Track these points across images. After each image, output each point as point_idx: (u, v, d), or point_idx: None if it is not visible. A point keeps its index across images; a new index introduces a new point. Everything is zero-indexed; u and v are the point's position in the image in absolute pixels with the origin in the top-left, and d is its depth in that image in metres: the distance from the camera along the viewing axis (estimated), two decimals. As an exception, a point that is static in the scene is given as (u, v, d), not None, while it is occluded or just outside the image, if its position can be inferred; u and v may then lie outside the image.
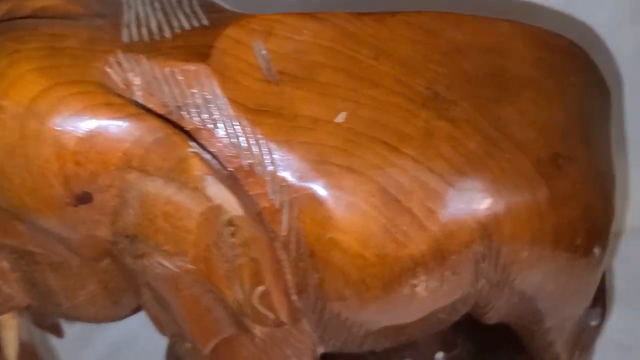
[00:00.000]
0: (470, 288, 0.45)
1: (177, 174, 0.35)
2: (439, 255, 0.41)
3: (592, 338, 0.61)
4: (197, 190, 0.35)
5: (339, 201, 0.38)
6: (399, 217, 0.39)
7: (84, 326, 0.86)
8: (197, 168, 0.35)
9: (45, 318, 0.53)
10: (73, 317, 0.50)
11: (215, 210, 0.36)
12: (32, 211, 0.37)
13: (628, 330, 0.76)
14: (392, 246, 0.39)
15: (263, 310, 0.39)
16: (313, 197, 0.38)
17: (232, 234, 0.36)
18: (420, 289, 0.42)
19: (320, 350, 0.51)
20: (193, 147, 0.35)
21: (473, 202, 0.40)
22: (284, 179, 0.38)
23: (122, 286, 0.45)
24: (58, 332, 0.56)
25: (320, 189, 0.38)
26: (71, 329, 0.87)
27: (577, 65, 0.47)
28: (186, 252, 0.37)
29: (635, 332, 0.76)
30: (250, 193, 0.37)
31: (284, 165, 0.38)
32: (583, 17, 0.77)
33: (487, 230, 0.41)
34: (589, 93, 0.47)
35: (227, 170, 0.37)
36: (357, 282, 0.41)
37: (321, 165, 0.38)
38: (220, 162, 0.37)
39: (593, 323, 0.60)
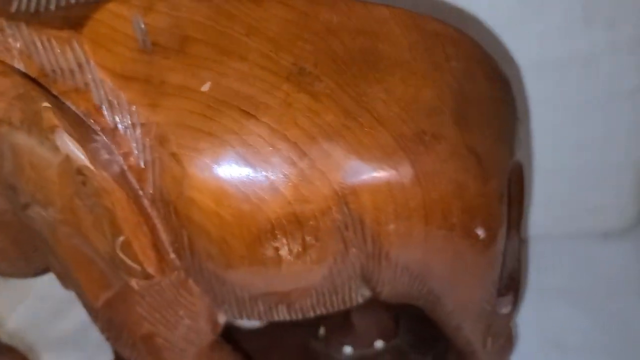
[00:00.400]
0: (342, 257, 0.47)
1: (34, 126, 0.39)
2: (295, 220, 0.43)
3: (504, 326, 0.62)
4: (49, 141, 0.39)
5: (196, 162, 0.41)
6: (253, 181, 0.41)
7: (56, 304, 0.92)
8: (48, 120, 0.39)
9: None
10: None
11: (67, 160, 0.39)
12: None
13: (568, 329, 0.77)
14: (247, 207, 0.42)
15: (128, 261, 0.43)
16: (173, 157, 0.41)
17: (83, 183, 0.40)
18: (284, 253, 0.44)
19: (221, 317, 0.54)
20: (48, 102, 0.39)
21: (326, 170, 0.42)
22: (147, 140, 0.41)
23: (31, 242, 0.49)
24: None
25: (178, 150, 0.41)
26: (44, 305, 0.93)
27: (461, 51, 0.48)
28: (54, 202, 0.41)
29: (575, 331, 0.77)
30: (118, 152, 0.41)
31: (148, 127, 0.41)
32: (537, 19, 0.79)
33: (342, 198, 0.43)
34: (472, 78, 0.49)
35: (96, 131, 0.41)
36: (219, 240, 0.44)
37: (180, 129, 0.41)
38: (89, 122, 0.41)
39: (504, 311, 0.61)
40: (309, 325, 0.81)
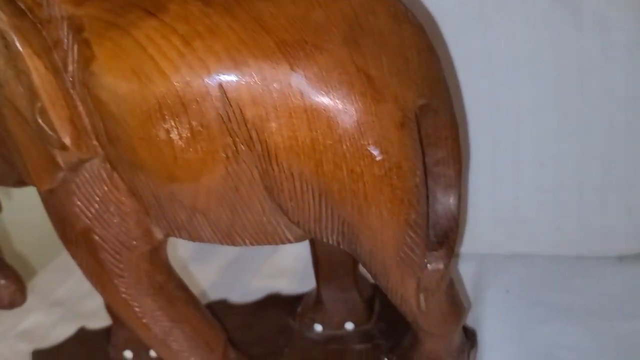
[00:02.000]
0: (234, 155, 0.50)
1: None
2: (179, 101, 0.47)
3: (435, 281, 0.60)
4: None
5: (102, 47, 0.49)
6: (143, 63, 0.48)
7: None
8: None
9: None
10: None
11: None
12: None
13: (568, 346, 0.73)
14: (136, 85, 0.48)
15: (45, 128, 0.50)
16: (85, 43, 0.50)
17: (6, 47, 0.49)
18: (175, 137, 0.50)
19: (157, 233, 0.60)
20: None
21: (207, 59, 0.48)
22: (70, 31, 0.50)
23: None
24: None
25: (90, 36, 0.49)
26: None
27: None
28: None
29: (576, 349, 0.72)
30: (50, 41, 0.50)
31: (71, 20, 0.50)
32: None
33: (221, 87, 0.48)
34: (372, 12, 0.52)
35: (34, 21, 0.50)
36: (120, 119, 0.50)
37: (95, 20, 0.50)
38: (30, 16, 0.50)
39: (434, 266, 0.60)
40: (290, 305, 0.83)
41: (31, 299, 1.05)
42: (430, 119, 0.59)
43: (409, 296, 0.60)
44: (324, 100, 0.49)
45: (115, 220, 0.57)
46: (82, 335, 0.88)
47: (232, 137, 0.50)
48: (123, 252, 0.59)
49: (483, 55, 0.81)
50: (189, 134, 0.49)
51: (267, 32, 0.48)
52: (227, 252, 1.07)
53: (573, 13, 0.77)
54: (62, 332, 0.92)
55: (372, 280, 0.82)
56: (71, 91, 0.51)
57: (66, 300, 1.03)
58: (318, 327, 0.78)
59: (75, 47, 0.50)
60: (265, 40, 0.48)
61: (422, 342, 0.66)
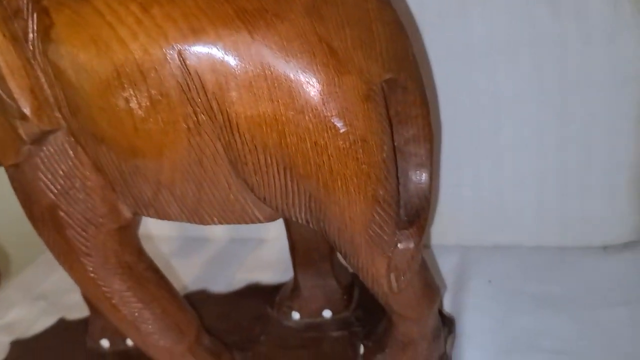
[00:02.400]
0: (195, 126, 0.50)
1: None
2: (137, 69, 0.46)
3: (405, 260, 0.59)
4: None
5: (60, 15, 0.49)
6: (102, 30, 0.47)
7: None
8: None
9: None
10: None
11: None
12: None
13: (558, 336, 0.72)
14: (95, 53, 0.48)
15: (4, 96, 0.50)
16: (43, 10, 0.48)
17: None
18: (134, 105, 0.49)
19: (125, 210, 0.59)
20: None
21: (165, 27, 0.47)
22: (30, 1, 0.50)
23: None
24: None
25: (50, 4, 0.48)
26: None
27: None
28: None
29: (556, 337, 0.71)
30: (10, 11, 0.49)
31: None
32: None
33: (179, 54, 0.47)
34: None
35: None
36: (79, 88, 0.49)
37: None
38: None
39: (404, 245, 0.59)
40: (269, 294, 0.82)
41: (15, 293, 1.05)
42: (399, 96, 0.58)
43: (380, 276, 0.59)
44: (285, 69, 0.48)
45: (80, 196, 0.56)
46: (62, 326, 0.87)
47: (192, 107, 0.49)
48: (89, 229, 0.58)
49: (461, 43, 0.81)
50: (148, 103, 0.49)
51: (226, 0, 0.48)
52: (210, 247, 1.06)
53: (551, 1, 0.76)
54: (44, 325, 0.91)
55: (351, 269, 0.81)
56: (32, 61, 0.50)
57: (50, 294, 1.02)
58: (295, 315, 0.77)
59: (35, 15, 0.49)
60: (224, 8, 0.48)
61: (396, 326, 0.65)
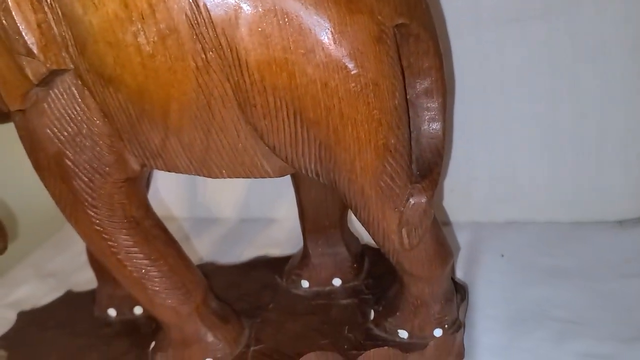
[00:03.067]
0: (204, 65, 0.48)
1: None
2: (146, 2, 0.46)
3: (417, 215, 0.57)
4: None
5: None
6: None
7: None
8: None
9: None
10: None
11: None
12: None
13: (569, 307, 0.70)
14: None
15: (9, 30, 0.48)
16: None
17: None
18: (143, 40, 0.48)
19: (132, 161, 0.58)
20: None
21: None
22: None
23: None
24: None
25: None
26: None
27: None
28: None
29: (577, 309, 0.69)
30: None
31: None
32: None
33: None
34: None
35: None
36: (86, 23, 0.48)
37: None
38: None
39: (416, 199, 0.57)
40: (278, 265, 0.80)
41: (25, 271, 1.04)
42: (412, 46, 0.57)
43: (391, 231, 0.57)
44: (296, 6, 0.47)
45: (87, 144, 0.55)
46: (69, 297, 0.85)
47: (201, 43, 0.48)
48: (96, 179, 0.57)
49: (471, 14, 0.79)
50: (156, 38, 0.48)
51: None
52: (220, 227, 1.05)
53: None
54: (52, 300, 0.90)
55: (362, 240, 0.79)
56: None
57: (59, 272, 1.01)
58: (305, 284, 0.75)
59: None
60: None
61: (407, 287, 0.63)
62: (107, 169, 0.56)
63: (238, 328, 0.68)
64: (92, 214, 0.58)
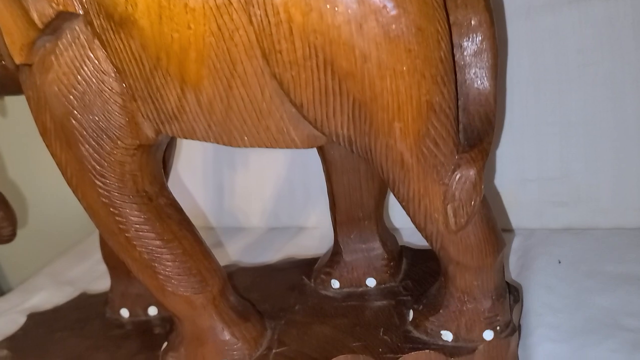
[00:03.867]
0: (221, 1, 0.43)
1: None
2: None
3: (465, 190, 0.50)
4: None
5: None
6: None
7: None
8: None
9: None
10: None
11: None
12: None
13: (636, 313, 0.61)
14: None
15: None
16: None
17: None
18: None
19: (146, 127, 0.52)
20: None
21: None
22: None
23: None
24: None
25: None
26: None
27: None
28: None
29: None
30: None
31: None
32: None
33: None
34: None
35: None
36: None
37: None
38: None
39: (462, 170, 0.49)
40: (305, 266, 0.73)
41: (43, 280, 0.99)
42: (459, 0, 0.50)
43: (434, 209, 0.49)
44: None
45: (97, 102, 0.49)
46: (81, 300, 0.79)
47: None
48: (105, 143, 0.51)
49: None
50: None
51: None
52: (247, 235, 0.98)
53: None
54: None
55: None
56: None
57: (77, 280, 0.96)
58: (335, 284, 0.67)
59: None
60: None
61: (452, 280, 0.54)
62: (118, 132, 0.51)
63: (259, 327, 0.60)
64: (100, 183, 0.52)
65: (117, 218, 0.53)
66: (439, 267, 0.56)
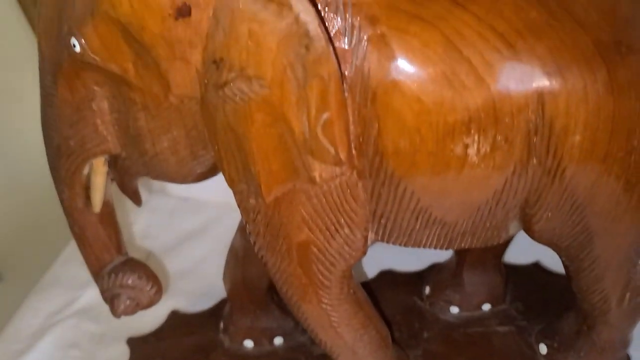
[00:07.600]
0: (522, 166, 0.44)
1: None
2: (492, 114, 0.41)
3: None
4: (282, 4, 0.37)
5: (405, 44, 0.39)
6: (458, 66, 0.39)
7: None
8: None
9: (129, 179, 0.56)
10: (154, 171, 0.52)
11: (295, 23, 0.37)
12: (137, 20, 0.40)
13: None
14: (449, 94, 0.40)
15: (325, 142, 0.40)
16: (381, 39, 0.40)
17: (307, 48, 0.37)
18: (472, 152, 0.42)
19: (371, 236, 0.52)
20: None
21: (531, 65, 0.40)
22: (357, 20, 0.40)
23: (203, 137, 0.47)
24: (138, 200, 0.59)
25: (388, 30, 0.39)
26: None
27: None
28: (265, 74, 0.38)
29: None
30: (329, 31, 0.39)
31: (359, 7, 0.39)
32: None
33: (541, 97, 0.41)
34: None
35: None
36: (413, 131, 0.41)
37: (391, 10, 0.39)
38: None
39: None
40: (414, 284, 0.78)
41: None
42: None
43: (612, 294, 0.57)
44: (630, 109, 0.43)
45: (344, 231, 0.48)
46: (176, 320, 0.78)
47: (528, 151, 0.43)
48: (339, 263, 0.51)
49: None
50: (487, 149, 0.42)
51: (584, 30, 0.41)
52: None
53: None
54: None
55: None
56: (346, 95, 0.41)
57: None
58: (454, 310, 0.74)
59: (365, 44, 0.39)
60: (584, 40, 0.41)
61: (598, 332, 0.64)
62: (354, 253, 0.51)
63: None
64: (323, 294, 0.53)
65: (332, 318, 0.55)
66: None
